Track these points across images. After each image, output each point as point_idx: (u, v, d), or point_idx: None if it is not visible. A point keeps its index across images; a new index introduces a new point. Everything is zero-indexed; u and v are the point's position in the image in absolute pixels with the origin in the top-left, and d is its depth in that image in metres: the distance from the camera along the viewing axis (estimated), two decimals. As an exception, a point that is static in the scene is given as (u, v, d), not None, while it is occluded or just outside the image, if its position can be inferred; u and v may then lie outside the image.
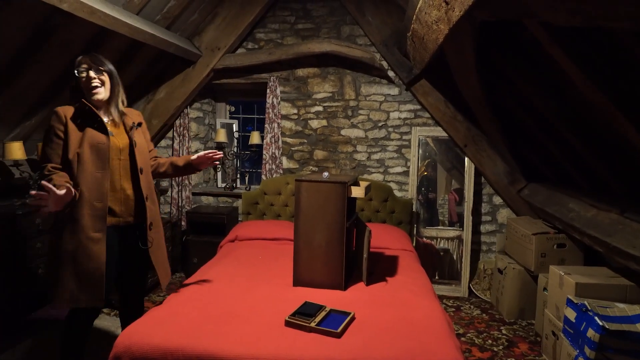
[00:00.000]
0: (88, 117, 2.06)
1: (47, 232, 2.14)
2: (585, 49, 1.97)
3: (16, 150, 3.11)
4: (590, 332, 2.15)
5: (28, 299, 3.01)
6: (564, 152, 2.95)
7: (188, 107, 4.26)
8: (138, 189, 2.19)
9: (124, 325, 2.46)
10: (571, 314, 2.37)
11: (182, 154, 4.26)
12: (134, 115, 2.29)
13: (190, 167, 2.46)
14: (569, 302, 2.42)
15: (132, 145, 2.17)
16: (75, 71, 2.06)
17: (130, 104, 4.11)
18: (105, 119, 2.13)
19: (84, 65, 2.06)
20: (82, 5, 2.40)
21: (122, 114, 2.20)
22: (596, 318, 2.15)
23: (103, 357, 2.00)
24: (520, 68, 2.70)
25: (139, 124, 2.27)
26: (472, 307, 3.63)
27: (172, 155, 4.32)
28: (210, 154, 2.41)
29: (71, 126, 2.03)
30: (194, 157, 2.43)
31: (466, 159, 3.89)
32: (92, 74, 2.06)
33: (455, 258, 3.99)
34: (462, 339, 3.02)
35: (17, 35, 2.52)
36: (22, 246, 2.89)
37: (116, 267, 2.17)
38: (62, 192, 1.83)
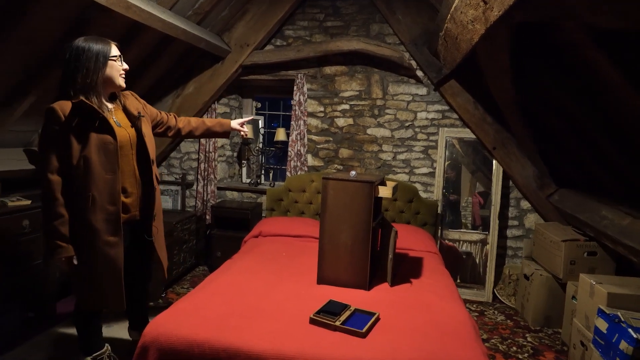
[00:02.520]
0: (88, 114, 1.95)
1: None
2: (627, 52, 1.91)
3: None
4: (623, 344, 2.09)
5: (58, 286, 3.09)
6: (597, 158, 2.86)
7: (215, 102, 4.30)
8: (147, 182, 2.20)
9: (130, 317, 2.50)
10: (602, 325, 2.31)
11: (209, 149, 4.30)
12: (128, 96, 2.24)
13: (227, 133, 2.67)
14: (600, 313, 2.35)
15: (141, 137, 2.15)
16: (111, 57, 2.00)
17: (159, 99, 4.20)
18: (109, 105, 2.09)
19: (118, 52, 2.06)
20: (118, 0, 2.44)
21: (120, 97, 2.18)
22: (630, 330, 2.09)
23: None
24: (554, 71, 2.63)
25: (141, 115, 2.19)
26: (496, 312, 3.57)
27: (199, 150, 4.37)
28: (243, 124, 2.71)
29: (71, 125, 1.92)
30: (236, 125, 2.66)
31: (494, 161, 3.82)
32: (122, 62, 2.07)
33: (477, 262, 3.93)
34: (486, 344, 2.97)
35: (54, 29, 2.57)
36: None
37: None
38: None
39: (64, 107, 1.92)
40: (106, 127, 1.98)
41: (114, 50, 2.03)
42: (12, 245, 2.72)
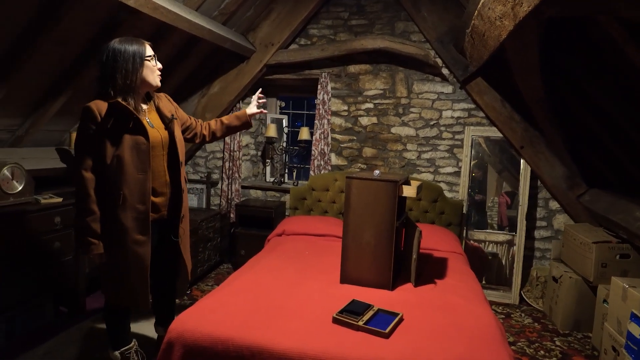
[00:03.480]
0: (123, 114, 1.98)
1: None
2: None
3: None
4: (658, 351, 2.02)
5: (87, 281, 3.18)
6: (632, 157, 2.76)
7: (240, 101, 4.34)
8: (176, 182, 2.22)
9: (157, 313, 2.54)
10: (636, 330, 2.23)
11: (234, 148, 4.35)
12: (162, 98, 2.26)
13: (247, 123, 2.63)
14: (634, 317, 2.27)
15: (173, 139, 2.18)
16: (146, 56, 2.02)
17: (185, 98, 4.26)
18: (144, 106, 2.12)
19: (152, 52, 2.08)
20: (146, 2, 2.49)
21: (154, 98, 2.20)
22: (665, 336, 2.01)
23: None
24: (586, 67, 2.55)
25: (174, 117, 2.22)
26: (522, 315, 3.49)
27: (224, 149, 4.42)
28: (259, 99, 2.65)
29: (106, 125, 1.96)
30: (251, 111, 2.60)
31: (522, 161, 3.74)
32: (156, 61, 2.10)
33: (504, 263, 3.85)
34: (512, 347, 2.91)
35: (86, 31, 2.64)
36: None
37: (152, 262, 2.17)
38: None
39: (100, 107, 1.96)
40: (139, 128, 2.01)
41: (149, 50, 2.06)
42: (44, 241, 2.81)
